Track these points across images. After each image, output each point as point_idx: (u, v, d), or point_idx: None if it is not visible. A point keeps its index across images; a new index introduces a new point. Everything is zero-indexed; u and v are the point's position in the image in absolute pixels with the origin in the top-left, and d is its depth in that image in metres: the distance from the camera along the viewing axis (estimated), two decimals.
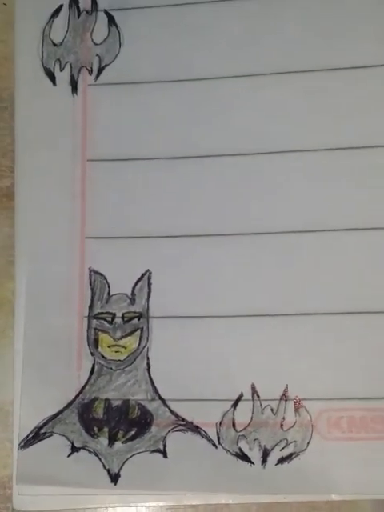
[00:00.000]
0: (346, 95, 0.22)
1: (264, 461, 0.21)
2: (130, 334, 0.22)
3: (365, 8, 0.23)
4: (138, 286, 0.22)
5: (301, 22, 0.23)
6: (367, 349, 0.21)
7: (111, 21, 0.24)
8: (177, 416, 0.22)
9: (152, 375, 0.22)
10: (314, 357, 0.21)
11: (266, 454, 0.21)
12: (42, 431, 0.22)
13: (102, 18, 0.24)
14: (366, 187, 0.21)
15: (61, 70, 0.24)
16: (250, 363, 0.22)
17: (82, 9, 0.24)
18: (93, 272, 0.23)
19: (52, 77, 0.24)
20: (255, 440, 0.21)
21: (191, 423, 0.22)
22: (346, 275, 0.21)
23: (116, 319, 0.22)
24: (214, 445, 0.22)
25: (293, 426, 0.21)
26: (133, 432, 0.22)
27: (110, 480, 0.22)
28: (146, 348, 0.22)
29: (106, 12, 0.24)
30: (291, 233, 0.22)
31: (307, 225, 0.22)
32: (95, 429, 0.22)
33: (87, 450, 0.22)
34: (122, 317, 0.22)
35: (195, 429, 0.22)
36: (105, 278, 0.23)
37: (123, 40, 0.24)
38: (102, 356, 0.22)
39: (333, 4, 0.23)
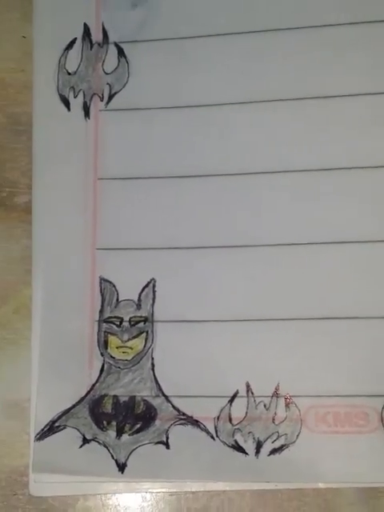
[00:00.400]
0: (332, 121, 0.23)
1: (257, 452, 0.22)
2: (137, 336, 0.23)
3: (352, 39, 0.24)
4: (143, 293, 0.24)
5: (292, 54, 0.24)
6: (351, 351, 0.22)
7: (121, 52, 0.25)
8: (178, 411, 0.23)
9: (156, 374, 0.23)
10: (303, 358, 0.22)
11: (259, 446, 0.22)
12: (56, 424, 0.23)
13: (113, 50, 0.25)
14: (348, 205, 0.23)
15: (75, 97, 0.25)
16: (245, 363, 0.23)
17: (94, 41, 0.25)
18: (103, 280, 0.24)
19: (67, 103, 0.25)
20: (249, 433, 0.22)
21: (191, 417, 0.23)
22: (331, 283, 0.23)
23: (124, 323, 0.24)
24: (212, 437, 0.23)
25: (284, 421, 0.22)
26: (138, 425, 0.23)
27: (117, 469, 0.23)
28: (150, 349, 0.23)
29: (116, 44, 0.25)
30: (279, 245, 0.23)
31: (293, 238, 0.23)
32: (104, 422, 0.23)
33: (97, 441, 0.23)
34: (129, 321, 0.23)
35: (195, 422, 0.23)
36: (114, 286, 0.24)
37: (131, 70, 0.25)
38: (111, 356, 0.23)
39: (322, 36, 0.24)
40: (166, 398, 0.23)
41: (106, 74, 0.25)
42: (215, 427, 0.23)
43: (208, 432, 0.23)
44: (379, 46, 0.24)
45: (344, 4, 0.24)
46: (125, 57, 0.25)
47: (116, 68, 0.25)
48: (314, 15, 0.24)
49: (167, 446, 0.23)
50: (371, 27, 0.24)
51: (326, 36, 0.24)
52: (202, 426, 0.23)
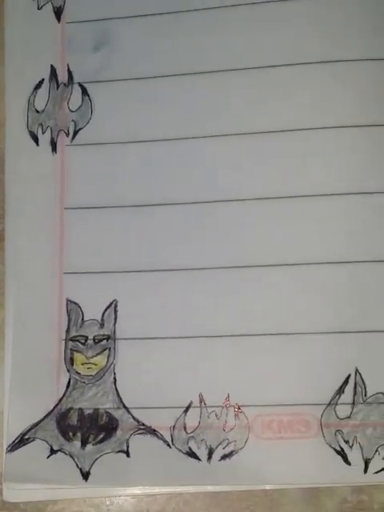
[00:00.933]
0: (281, 153, 0.25)
1: (209, 457, 0.24)
2: (100, 353, 0.25)
3: (299, 79, 0.26)
4: (106, 313, 0.25)
5: (243, 92, 0.26)
6: (293, 364, 0.24)
7: (84, 92, 0.27)
8: (138, 421, 0.24)
9: (117, 387, 0.25)
10: (251, 371, 0.24)
11: (211, 452, 0.24)
12: (26, 437, 0.25)
13: (77, 90, 0.27)
14: (293, 231, 0.25)
15: (43, 133, 0.27)
16: (199, 377, 0.24)
17: (60, 82, 0.27)
18: (69, 301, 0.25)
19: (35, 139, 0.27)
20: (202, 440, 0.24)
21: (150, 427, 0.24)
22: (276, 302, 0.24)
23: (88, 341, 0.25)
24: (169, 445, 0.24)
25: (233, 428, 0.24)
26: (101, 436, 0.24)
27: (82, 477, 0.24)
28: (112, 365, 0.25)
29: (80, 84, 0.27)
30: (228, 268, 0.25)
31: (242, 261, 0.25)
32: (70, 434, 0.24)
33: (63, 452, 0.24)
34: (93, 339, 0.25)
35: (153, 432, 0.24)
36: (79, 307, 0.25)
37: (94, 108, 0.26)
38: (77, 372, 0.25)
39: (271, 76, 0.26)
40: (127, 409, 0.24)
41: (71, 111, 0.27)
42: (171, 436, 0.24)
43: (165, 440, 0.24)
44: (322, 84, 0.26)
45: (289, 47, 0.26)
46: (88, 96, 0.27)
47: (80, 106, 0.27)
48: (264, 56, 0.26)
49: (127, 454, 0.24)
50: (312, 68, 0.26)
51: (274, 75, 0.26)
52: (159, 434, 0.24)
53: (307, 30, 0.26)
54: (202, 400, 0.24)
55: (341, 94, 0.25)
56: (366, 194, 0.24)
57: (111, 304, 0.25)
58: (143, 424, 0.24)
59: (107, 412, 0.24)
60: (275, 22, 0.26)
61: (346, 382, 0.24)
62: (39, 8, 0.27)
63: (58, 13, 0.27)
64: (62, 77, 0.27)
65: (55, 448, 0.24)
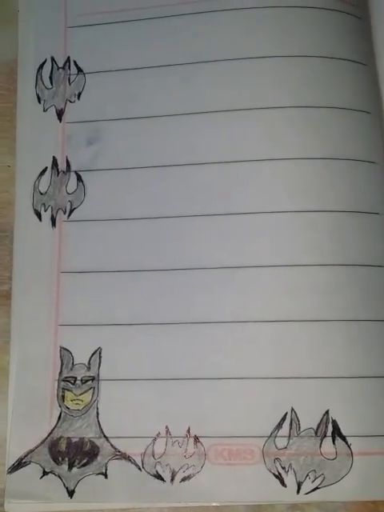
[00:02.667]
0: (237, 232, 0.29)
1: (172, 479, 0.27)
2: (86, 391, 0.28)
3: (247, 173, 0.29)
4: (92, 358, 0.28)
5: (212, 183, 0.29)
6: (241, 403, 0.27)
7: (79, 178, 0.30)
8: (115, 448, 0.27)
9: (100, 420, 0.28)
10: (208, 408, 0.27)
11: (173, 475, 0.27)
12: (24, 461, 0.28)
13: (73, 176, 0.30)
14: (254, 294, 0.28)
15: (45, 211, 0.30)
16: (165, 412, 0.27)
17: (60, 170, 0.30)
18: (62, 348, 0.29)
19: (39, 215, 0.30)
20: (167, 465, 0.27)
21: (125, 453, 0.27)
22: (229, 353, 0.27)
23: (77, 381, 0.28)
24: (140, 468, 0.27)
25: (192, 455, 0.27)
26: (85, 460, 0.27)
27: (68, 495, 0.27)
28: (96, 401, 0.28)
29: (76, 172, 0.30)
30: (196, 323, 0.28)
31: (204, 318, 0.28)
32: (59, 458, 0.27)
33: (53, 473, 0.27)
34: (81, 379, 0.28)
35: (127, 457, 0.27)
36: (71, 353, 0.28)
37: (87, 191, 0.30)
38: (67, 407, 0.28)
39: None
40: (106, 438, 0.27)
41: (68, 194, 0.30)
42: (142, 461, 0.27)
43: (136, 464, 0.27)
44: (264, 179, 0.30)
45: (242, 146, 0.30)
46: (82, 182, 0.30)
47: (75, 190, 0.30)
48: (231, 153, 0.30)
49: (106, 476, 0.27)
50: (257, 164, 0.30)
51: (234, 170, 0.29)
52: (132, 459, 0.27)
53: (256, 131, 0.30)
54: (167, 431, 0.27)
55: (282, 187, 0.29)
56: (299, 266, 0.29)
57: (96, 351, 0.28)
58: (119, 451, 0.27)
59: (90, 440, 0.27)
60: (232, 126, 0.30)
61: (284, 418, 0.27)
62: (45, 110, 0.32)
63: (60, 114, 0.31)
64: (62, 166, 0.31)
65: (47, 470, 0.27)
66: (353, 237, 0.29)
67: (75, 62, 0.32)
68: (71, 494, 0.27)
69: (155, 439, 0.28)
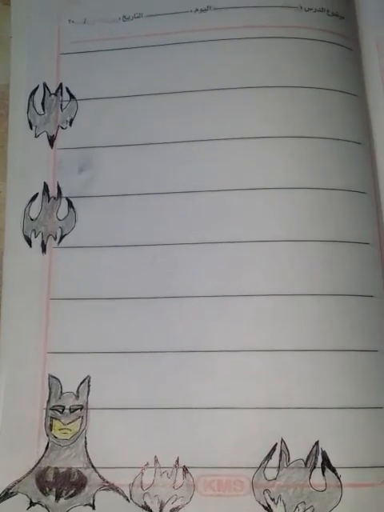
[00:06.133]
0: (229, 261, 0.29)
1: (161, 510, 0.27)
2: (74, 420, 0.28)
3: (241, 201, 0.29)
4: (81, 387, 0.28)
5: (205, 212, 0.30)
6: (231, 435, 0.27)
7: (70, 204, 0.30)
8: (103, 479, 0.27)
9: (88, 450, 0.28)
10: (196, 440, 0.27)
11: (162, 506, 0.27)
12: (10, 491, 0.27)
13: (64, 202, 0.31)
14: (246, 325, 0.28)
15: (35, 237, 0.30)
16: (154, 442, 0.27)
17: (50, 196, 0.31)
18: (51, 377, 0.29)
19: (29, 241, 0.30)
20: (155, 495, 0.27)
21: (112, 484, 0.27)
22: (218, 384, 0.27)
23: (65, 410, 0.28)
24: (128, 499, 0.27)
25: (181, 486, 0.27)
26: (72, 491, 0.27)
27: None
28: (84, 430, 0.28)
29: (67, 198, 0.31)
30: (184, 352, 0.28)
31: (192, 347, 0.28)
32: (47, 489, 0.27)
33: (40, 504, 0.27)
34: (70, 408, 0.28)
35: (115, 488, 0.27)
36: (59, 381, 0.28)
37: (77, 217, 0.30)
38: (54, 436, 0.28)
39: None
40: (94, 468, 0.27)
41: (59, 220, 0.30)
42: (130, 491, 0.27)
43: (124, 495, 0.27)
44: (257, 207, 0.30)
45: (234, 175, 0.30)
46: (73, 208, 0.30)
47: (66, 216, 0.30)
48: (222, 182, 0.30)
49: (93, 507, 0.27)
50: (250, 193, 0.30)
51: (227, 200, 0.30)
52: (120, 490, 0.27)
53: (249, 160, 0.30)
54: (156, 462, 0.27)
55: (273, 216, 0.29)
56: (290, 295, 0.29)
57: (85, 379, 0.28)
58: (107, 481, 0.27)
59: (78, 471, 0.28)
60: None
61: (273, 449, 0.27)
62: (36, 136, 0.32)
63: (51, 140, 0.31)
64: (53, 192, 0.31)
65: (34, 501, 0.27)
66: (343, 266, 0.30)
67: (67, 89, 0.33)
68: None
69: (144, 469, 0.28)
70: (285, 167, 0.30)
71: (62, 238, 0.31)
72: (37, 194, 0.31)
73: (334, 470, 0.27)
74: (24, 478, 0.28)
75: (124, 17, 0.33)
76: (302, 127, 0.31)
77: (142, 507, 0.27)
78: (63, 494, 0.28)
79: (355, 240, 0.30)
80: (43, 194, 0.31)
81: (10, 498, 0.28)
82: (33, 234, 0.31)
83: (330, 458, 0.27)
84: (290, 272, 0.29)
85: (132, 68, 0.32)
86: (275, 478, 0.27)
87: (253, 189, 0.30)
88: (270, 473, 0.27)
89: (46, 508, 0.28)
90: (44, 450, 0.28)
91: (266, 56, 0.31)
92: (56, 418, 0.28)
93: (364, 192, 0.31)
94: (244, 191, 0.30)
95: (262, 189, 0.30)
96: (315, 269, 0.29)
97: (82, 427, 0.28)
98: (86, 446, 0.28)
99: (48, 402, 0.29)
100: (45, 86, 0.33)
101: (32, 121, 0.33)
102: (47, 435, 0.28)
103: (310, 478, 0.27)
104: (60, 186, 0.31)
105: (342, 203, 0.30)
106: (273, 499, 0.27)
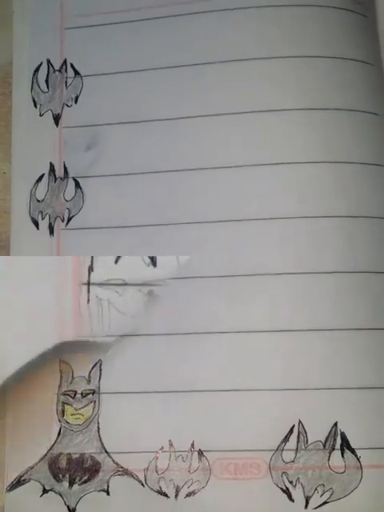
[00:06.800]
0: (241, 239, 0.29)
1: (176, 495, 0.27)
2: (86, 405, 0.28)
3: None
4: (93, 371, 0.28)
5: (214, 192, 0.29)
6: (247, 417, 0.27)
7: (77, 185, 0.30)
8: (117, 464, 0.27)
9: (101, 435, 0.27)
10: (212, 422, 0.27)
11: (177, 491, 0.27)
12: (23, 478, 0.27)
13: (71, 183, 0.30)
14: (262, 303, 0.28)
15: (42, 219, 0.30)
16: (168, 426, 0.27)
17: (57, 176, 0.30)
18: (62, 362, 0.28)
19: (36, 224, 0.30)
20: (170, 480, 0.27)
21: (127, 469, 0.27)
22: (236, 365, 0.27)
23: (77, 395, 0.28)
24: (142, 484, 0.27)
25: (196, 470, 0.27)
26: (86, 477, 0.27)
27: None
28: (97, 415, 0.27)
29: (74, 179, 0.30)
30: (197, 334, 0.27)
31: (203, 329, 0.27)
32: (60, 475, 0.27)
33: (53, 491, 0.27)
34: (81, 393, 0.28)
35: (129, 473, 0.27)
36: (70, 366, 0.28)
37: (85, 198, 0.29)
38: (67, 422, 0.28)
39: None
40: (108, 454, 0.27)
41: (66, 201, 0.30)
42: (145, 476, 0.27)
43: (139, 480, 0.27)
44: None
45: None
46: (80, 188, 0.30)
47: (73, 197, 0.30)
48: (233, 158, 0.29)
49: (108, 493, 0.27)
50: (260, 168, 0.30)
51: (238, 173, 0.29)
52: (134, 475, 0.27)
53: (262, 134, 0.29)
54: (171, 445, 0.27)
55: (287, 191, 0.29)
56: (308, 273, 0.28)
57: (96, 363, 0.28)
58: (121, 466, 0.27)
59: (91, 456, 0.27)
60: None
61: (291, 431, 0.27)
62: (41, 115, 0.31)
63: (57, 119, 0.31)
64: (59, 172, 0.30)
65: (47, 488, 0.27)
66: (362, 243, 0.29)
67: (72, 65, 0.32)
68: None
69: (158, 453, 0.27)
70: (300, 140, 0.29)
71: (69, 219, 0.30)
72: (43, 174, 0.30)
73: (353, 451, 0.27)
74: (36, 465, 0.28)
75: None
76: (316, 98, 0.30)
77: (157, 492, 0.27)
78: (77, 480, 0.27)
79: (374, 215, 0.29)
80: (49, 174, 0.30)
81: (22, 486, 0.28)
82: (40, 216, 0.30)
83: (349, 439, 0.27)
84: (306, 249, 0.28)
85: (140, 42, 0.31)
86: (293, 461, 0.27)
87: (267, 164, 0.29)
88: (288, 455, 0.27)
89: (60, 495, 0.27)
90: (56, 436, 0.28)
91: (278, 25, 0.30)
92: (68, 404, 0.28)
93: (381, 165, 0.30)
94: (257, 166, 0.29)
95: (277, 164, 0.29)
96: (333, 245, 0.28)
97: (95, 412, 0.28)
98: (98, 431, 0.28)
99: (59, 387, 0.28)
100: (48, 62, 0.32)
101: (36, 99, 0.32)
102: (59, 421, 0.28)
103: (328, 459, 0.27)
104: (66, 165, 0.30)
105: (359, 177, 0.29)
106: (291, 482, 0.27)
